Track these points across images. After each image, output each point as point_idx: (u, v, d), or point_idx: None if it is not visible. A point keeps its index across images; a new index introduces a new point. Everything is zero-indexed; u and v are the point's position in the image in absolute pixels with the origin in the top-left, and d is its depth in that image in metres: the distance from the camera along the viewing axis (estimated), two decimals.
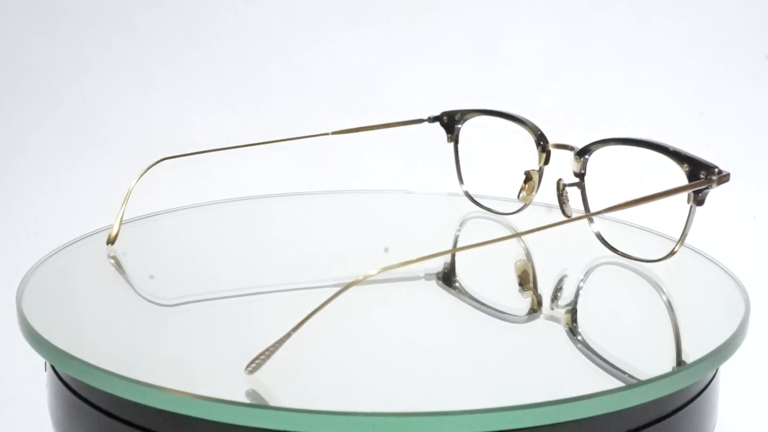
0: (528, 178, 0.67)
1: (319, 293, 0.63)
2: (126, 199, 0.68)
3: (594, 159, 0.63)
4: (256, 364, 0.49)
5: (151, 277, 0.66)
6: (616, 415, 0.49)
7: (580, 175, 0.63)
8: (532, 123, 0.68)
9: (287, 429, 0.46)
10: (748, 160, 1.06)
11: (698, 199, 0.59)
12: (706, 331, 0.57)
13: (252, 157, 0.97)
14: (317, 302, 0.62)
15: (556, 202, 0.72)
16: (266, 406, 0.46)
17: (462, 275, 0.65)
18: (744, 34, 1.05)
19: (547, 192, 0.66)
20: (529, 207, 0.69)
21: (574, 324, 0.59)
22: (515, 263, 0.66)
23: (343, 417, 0.46)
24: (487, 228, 0.72)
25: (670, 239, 0.65)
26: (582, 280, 0.64)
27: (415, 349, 0.56)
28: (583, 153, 0.63)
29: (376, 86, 1.08)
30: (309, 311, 0.60)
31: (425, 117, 0.73)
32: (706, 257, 0.65)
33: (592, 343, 0.56)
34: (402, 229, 0.74)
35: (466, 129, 0.73)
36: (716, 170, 0.58)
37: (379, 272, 0.51)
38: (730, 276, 0.63)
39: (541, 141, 0.67)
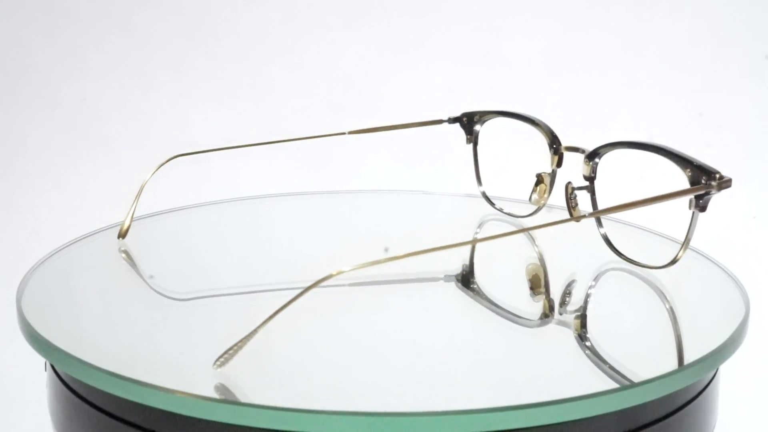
0: (539, 180, 0.67)
1: (319, 293, 0.63)
2: (138, 195, 0.68)
3: (604, 162, 0.63)
4: (224, 359, 0.50)
5: (151, 276, 0.66)
6: (616, 415, 0.49)
7: (590, 179, 0.63)
8: (545, 125, 0.67)
9: (288, 429, 0.46)
10: (748, 160, 1.06)
11: (700, 205, 0.58)
12: (706, 331, 0.57)
13: (256, 157, 0.97)
14: (317, 302, 0.62)
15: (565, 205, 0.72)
16: (266, 406, 0.46)
17: (480, 277, 0.65)
18: (744, 34, 1.05)
19: (560, 195, 0.66)
20: (544, 209, 0.69)
21: (575, 324, 0.59)
22: (526, 267, 0.66)
23: (343, 417, 0.46)
24: (497, 229, 0.71)
25: (676, 241, 0.65)
26: (586, 282, 0.64)
27: (419, 349, 0.56)
28: (592, 156, 0.63)
29: (376, 86, 1.08)
30: (308, 311, 0.61)
31: (445, 118, 0.73)
32: (706, 257, 0.65)
33: (591, 343, 0.56)
34: (402, 230, 0.74)
35: (484, 130, 0.72)
36: (717, 176, 0.58)
37: (349, 270, 0.52)
38: (730, 276, 0.63)
39: (554, 143, 0.66)
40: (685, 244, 0.59)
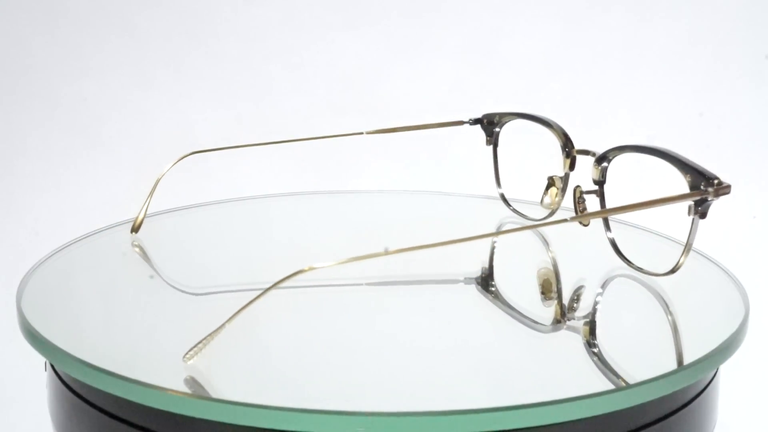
0: (550, 183, 0.66)
1: (318, 292, 0.63)
2: (153, 190, 0.69)
3: (614, 166, 0.62)
4: (193, 352, 0.51)
5: (151, 277, 0.66)
6: (616, 415, 0.49)
7: (599, 183, 0.62)
8: (559, 127, 0.66)
9: (288, 429, 0.46)
10: (748, 160, 1.06)
11: (699, 212, 0.58)
12: (706, 331, 0.57)
13: (261, 156, 0.97)
14: (317, 301, 0.62)
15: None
16: (266, 406, 0.46)
17: (500, 281, 0.65)
18: (744, 34, 1.05)
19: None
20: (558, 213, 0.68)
21: (575, 323, 0.59)
22: (538, 271, 0.66)
23: (343, 417, 0.46)
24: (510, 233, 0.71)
25: (681, 244, 0.65)
26: (592, 285, 0.64)
27: (421, 350, 0.56)
28: (601, 160, 0.62)
29: (377, 86, 1.08)
30: (308, 310, 0.61)
31: (466, 119, 0.73)
32: (706, 257, 0.65)
33: (591, 343, 0.56)
34: (402, 230, 0.74)
35: (503, 132, 0.72)
36: (715, 181, 0.57)
37: (308, 270, 0.52)
38: (730, 276, 0.63)
39: (567, 146, 0.66)
40: (686, 250, 0.59)
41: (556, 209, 0.67)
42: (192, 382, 0.50)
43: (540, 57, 1.07)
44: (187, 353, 0.51)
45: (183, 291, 0.63)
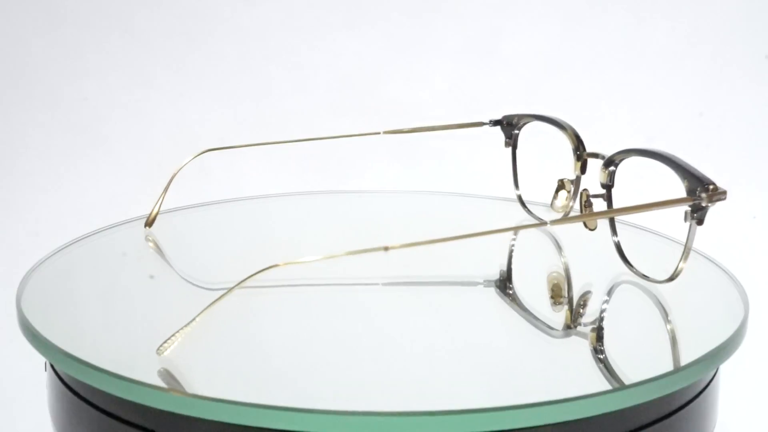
0: (560, 186, 0.66)
1: (318, 292, 0.63)
2: (168, 185, 0.69)
3: (622, 169, 0.62)
4: (165, 346, 0.51)
5: (151, 277, 0.66)
6: (616, 415, 0.49)
7: (607, 186, 0.62)
8: (572, 130, 0.66)
9: (288, 429, 0.46)
10: (748, 160, 1.06)
11: (696, 218, 0.57)
12: (706, 331, 0.57)
13: (267, 156, 0.97)
14: (316, 301, 0.62)
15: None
16: (266, 406, 0.46)
17: (518, 284, 0.64)
18: (744, 34, 1.05)
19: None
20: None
21: (575, 323, 0.59)
22: (548, 275, 0.66)
23: (343, 417, 0.46)
24: (505, 235, 0.71)
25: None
26: (594, 286, 0.64)
27: (424, 350, 0.56)
28: (608, 164, 0.61)
29: (377, 86, 1.08)
30: (308, 310, 0.61)
31: (486, 120, 0.72)
32: (705, 257, 0.65)
33: (591, 343, 0.57)
34: (402, 230, 0.73)
35: (522, 133, 0.71)
36: (710, 187, 0.57)
37: (266, 269, 0.53)
38: (730, 276, 0.63)
39: (578, 149, 0.65)
40: (684, 256, 0.59)
41: (568, 212, 0.67)
42: (191, 382, 0.50)
43: (540, 57, 1.07)
44: (160, 346, 0.51)
45: (183, 291, 0.63)
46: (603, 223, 0.63)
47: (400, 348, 0.56)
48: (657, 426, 0.52)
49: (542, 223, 0.59)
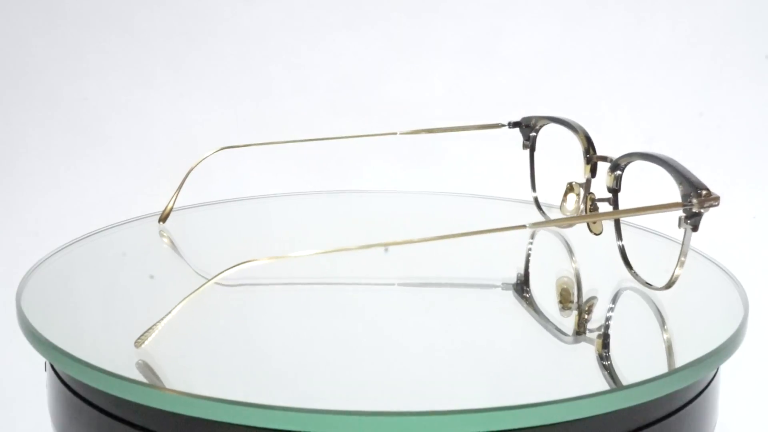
0: (569, 189, 0.65)
1: (317, 291, 0.63)
2: (183, 181, 0.70)
3: (629, 173, 0.61)
4: (142, 338, 0.52)
5: (151, 277, 0.66)
6: (616, 415, 0.49)
7: (613, 190, 0.61)
8: (584, 132, 0.65)
9: (288, 428, 0.46)
10: (748, 160, 1.06)
11: (690, 224, 0.56)
12: (706, 331, 0.57)
13: (269, 156, 0.97)
14: (317, 301, 0.62)
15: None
16: (267, 406, 0.46)
17: (536, 287, 0.64)
18: (744, 34, 1.05)
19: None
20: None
21: (581, 328, 0.59)
22: (557, 280, 0.66)
23: (343, 417, 0.46)
24: (521, 237, 0.70)
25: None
26: (597, 287, 0.64)
27: (426, 350, 0.56)
28: (614, 168, 0.61)
29: (377, 86, 1.08)
30: (308, 310, 0.61)
31: (505, 122, 0.72)
32: (705, 257, 0.65)
33: (591, 343, 0.57)
34: (402, 230, 0.74)
35: (540, 135, 0.71)
36: (703, 193, 0.56)
37: (236, 266, 0.54)
38: (730, 276, 0.63)
39: (588, 152, 0.64)
40: (680, 263, 0.58)
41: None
42: (191, 382, 0.50)
43: (540, 57, 1.07)
44: (138, 338, 0.52)
45: (184, 291, 0.63)
46: (610, 227, 0.62)
47: (400, 348, 0.56)
48: (657, 426, 0.52)
49: (521, 226, 0.57)
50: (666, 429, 0.52)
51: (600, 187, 0.63)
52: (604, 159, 0.63)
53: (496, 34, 1.07)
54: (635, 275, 0.60)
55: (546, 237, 0.70)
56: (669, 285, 0.59)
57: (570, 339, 0.57)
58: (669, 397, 0.51)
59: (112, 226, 0.70)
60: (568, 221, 0.61)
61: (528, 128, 0.71)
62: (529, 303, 0.62)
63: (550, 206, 0.71)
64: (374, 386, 0.52)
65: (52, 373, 0.56)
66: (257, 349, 0.56)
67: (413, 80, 1.08)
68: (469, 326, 0.59)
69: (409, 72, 1.08)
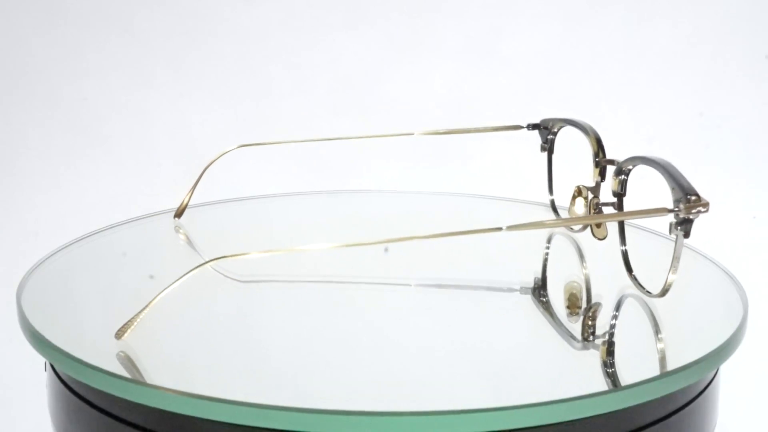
0: (577, 193, 0.65)
1: (319, 290, 0.63)
2: (200, 177, 0.71)
3: (634, 177, 0.60)
4: (122, 330, 0.53)
5: (151, 277, 0.66)
6: (616, 415, 0.49)
7: (618, 195, 0.61)
8: (595, 134, 0.65)
9: (288, 428, 0.46)
10: (748, 160, 1.06)
11: (681, 230, 0.56)
12: (706, 331, 0.57)
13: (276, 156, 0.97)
14: (317, 300, 0.62)
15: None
16: (267, 406, 0.46)
17: (553, 291, 0.64)
18: (744, 34, 1.05)
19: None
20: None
21: (585, 333, 0.59)
22: (565, 285, 0.65)
23: (344, 417, 0.46)
24: (523, 239, 0.70)
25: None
26: (599, 291, 0.64)
27: (427, 351, 0.56)
28: (618, 172, 0.60)
29: (377, 86, 1.08)
30: (309, 310, 0.61)
31: (523, 124, 0.71)
32: (705, 257, 0.65)
33: (591, 343, 0.56)
34: (402, 230, 0.73)
35: (557, 138, 0.70)
36: (691, 198, 0.55)
37: (214, 260, 0.56)
38: (730, 276, 0.63)
39: (597, 155, 0.64)
40: (672, 269, 0.57)
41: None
42: (191, 382, 0.50)
43: (540, 57, 1.07)
44: (118, 331, 0.52)
45: (183, 291, 0.63)
46: (615, 231, 0.62)
47: (400, 348, 0.56)
48: (657, 426, 0.52)
49: (497, 228, 0.56)
50: (666, 429, 0.52)
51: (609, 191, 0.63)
52: (611, 162, 0.62)
53: (496, 34, 1.07)
54: (634, 281, 0.60)
55: (562, 241, 0.70)
56: (663, 292, 0.58)
57: (579, 344, 0.57)
58: (669, 397, 0.51)
59: (112, 226, 0.70)
60: (545, 226, 0.60)
61: (545, 130, 0.70)
62: (546, 307, 0.61)
63: (564, 209, 0.71)
64: (374, 386, 0.52)
65: (52, 373, 0.56)
66: (257, 348, 0.56)
67: (413, 80, 1.08)
68: (471, 327, 0.59)
69: (409, 72, 1.08)
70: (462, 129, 0.75)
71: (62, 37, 1.09)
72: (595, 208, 0.63)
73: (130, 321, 0.53)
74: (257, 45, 1.08)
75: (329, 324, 0.59)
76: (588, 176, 0.64)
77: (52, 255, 0.65)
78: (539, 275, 0.67)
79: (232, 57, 1.09)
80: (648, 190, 0.63)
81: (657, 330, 0.58)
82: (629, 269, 0.60)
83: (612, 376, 0.53)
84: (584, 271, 0.67)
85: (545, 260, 0.69)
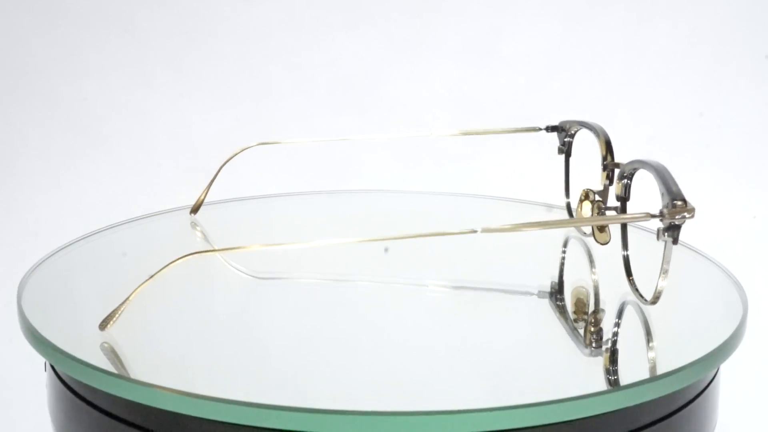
0: (584, 196, 0.64)
1: (320, 289, 0.63)
2: (216, 174, 0.71)
3: (637, 181, 0.60)
4: (105, 322, 0.54)
5: (151, 277, 0.66)
6: (616, 415, 0.49)
7: (621, 199, 0.60)
8: (605, 138, 0.64)
9: (289, 429, 0.46)
10: (748, 160, 1.06)
11: (669, 235, 0.55)
12: (706, 331, 0.57)
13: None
14: (317, 300, 0.62)
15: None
16: (267, 406, 0.46)
17: (569, 294, 0.64)
18: (744, 34, 1.05)
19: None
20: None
21: (574, 320, 0.59)
22: (572, 290, 0.65)
23: (344, 417, 0.46)
24: (525, 241, 0.70)
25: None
26: (603, 291, 0.64)
27: (427, 351, 0.56)
28: (621, 177, 0.60)
29: (377, 86, 1.08)
30: (310, 310, 0.61)
31: (542, 126, 0.70)
32: (705, 257, 0.65)
33: (592, 345, 0.56)
34: (402, 230, 0.73)
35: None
36: (676, 203, 0.54)
37: (186, 256, 0.55)
38: (730, 276, 0.63)
39: (606, 159, 0.63)
40: (662, 274, 0.56)
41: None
42: (191, 381, 0.50)
43: (540, 57, 1.07)
44: (101, 322, 0.53)
45: (184, 291, 0.63)
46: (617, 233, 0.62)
47: (401, 348, 0.56)
48: (657, 426, 0.52)
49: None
50: (666, 429, 0.52)
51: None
52: (617, 166, 0.62)
53: (496, 34, 1.07)
54: (632, 286, 0.60)
55: (576, 246, 0.70)
56: (655, 299, 0.57)
57: (581, 346, 0.57)
58: (669, 397, 0.51)
59: (112, 226, 0.70)
60: (522, 228, 0.59)
61: (563, 132, 0.70)
62: (561, 311, 0.61)
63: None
64: (374, 386, 0.52)
65: (52, 373, 0.56)
66: (257, 348, 0.56)
67: (413, 80, 1.08)
68: (474, 327, 0.59)
69: (409, 72, 1.08)
70: (479, 130, 0.75)
71: (62, 37, 1.09)
72: (599, 211, 0.62)
73: (113, 313, 0.54)
74: (257, 45, 1.08)
75: (330, 323, 0.59)
76: (597, 179, 0.64)
77: (52, 255, 0.65)
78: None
79: (232, 57, 1.09)
80: (654, 194, 0.62)
81: (657, 330, 0.58)
82: (629, 274, 0.60)
83: (612, 376, 0.53)
84: (593, 276, 0.67)
85: (562, 264, 0.68)
